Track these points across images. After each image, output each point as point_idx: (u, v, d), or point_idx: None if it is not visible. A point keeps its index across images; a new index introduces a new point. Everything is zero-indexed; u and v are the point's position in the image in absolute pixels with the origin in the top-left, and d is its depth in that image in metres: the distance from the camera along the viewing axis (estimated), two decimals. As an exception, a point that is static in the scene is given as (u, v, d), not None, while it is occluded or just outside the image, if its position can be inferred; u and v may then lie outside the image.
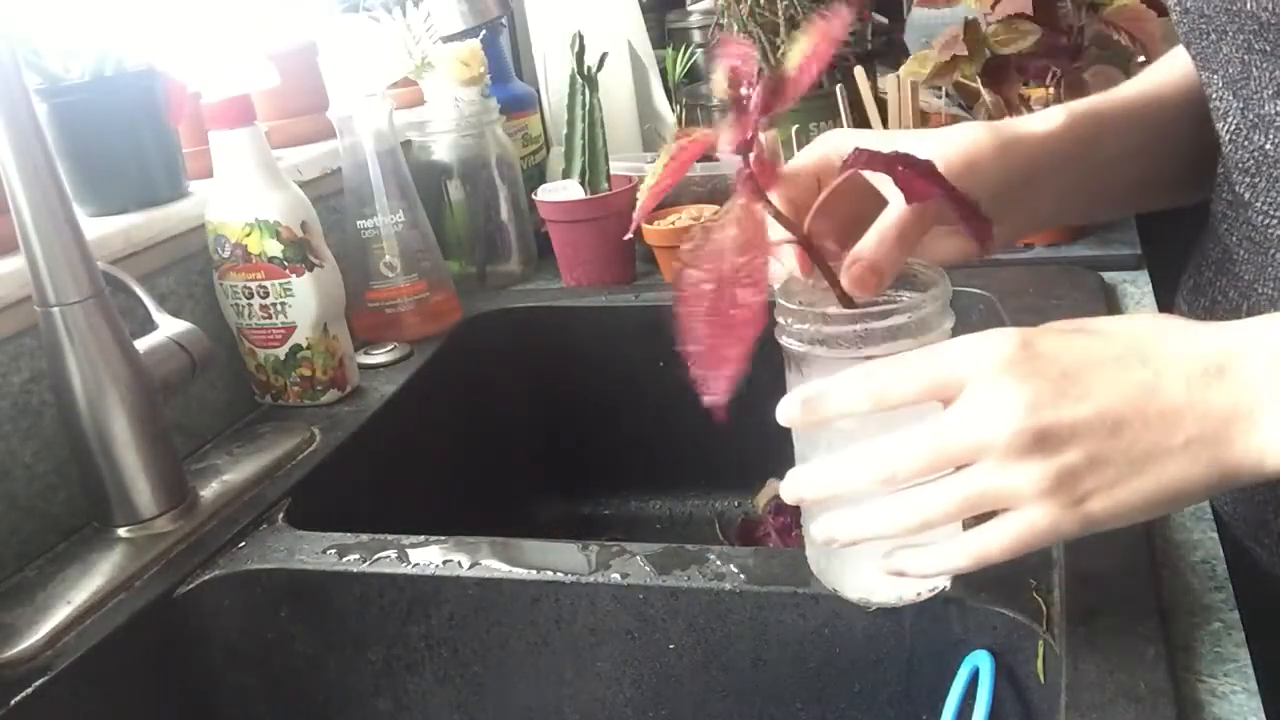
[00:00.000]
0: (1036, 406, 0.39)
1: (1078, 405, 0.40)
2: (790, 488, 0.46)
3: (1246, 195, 0.55)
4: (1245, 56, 0.51)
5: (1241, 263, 0.57)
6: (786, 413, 0.45)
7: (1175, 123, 0.60)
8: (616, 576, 0.57)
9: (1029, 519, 0.41)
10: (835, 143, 0.55)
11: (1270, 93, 0.51)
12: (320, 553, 0.62)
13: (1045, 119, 0.57)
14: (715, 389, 0.42)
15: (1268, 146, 0.52)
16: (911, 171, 0.44)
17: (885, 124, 1.12)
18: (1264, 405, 0.39)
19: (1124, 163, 0.60)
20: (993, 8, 0.89)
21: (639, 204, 0.48)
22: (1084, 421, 0.39)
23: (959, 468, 0.42)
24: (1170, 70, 0.63)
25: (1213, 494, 0.43)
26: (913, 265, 0.50)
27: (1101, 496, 0.40)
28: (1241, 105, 0.53)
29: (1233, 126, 0.55)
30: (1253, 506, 0.58)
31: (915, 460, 0.42)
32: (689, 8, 1.49)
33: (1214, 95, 0.56)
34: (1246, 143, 0.54)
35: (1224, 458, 0.40)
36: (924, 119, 1.15)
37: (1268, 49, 0.49)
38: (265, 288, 0.78)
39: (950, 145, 0.54)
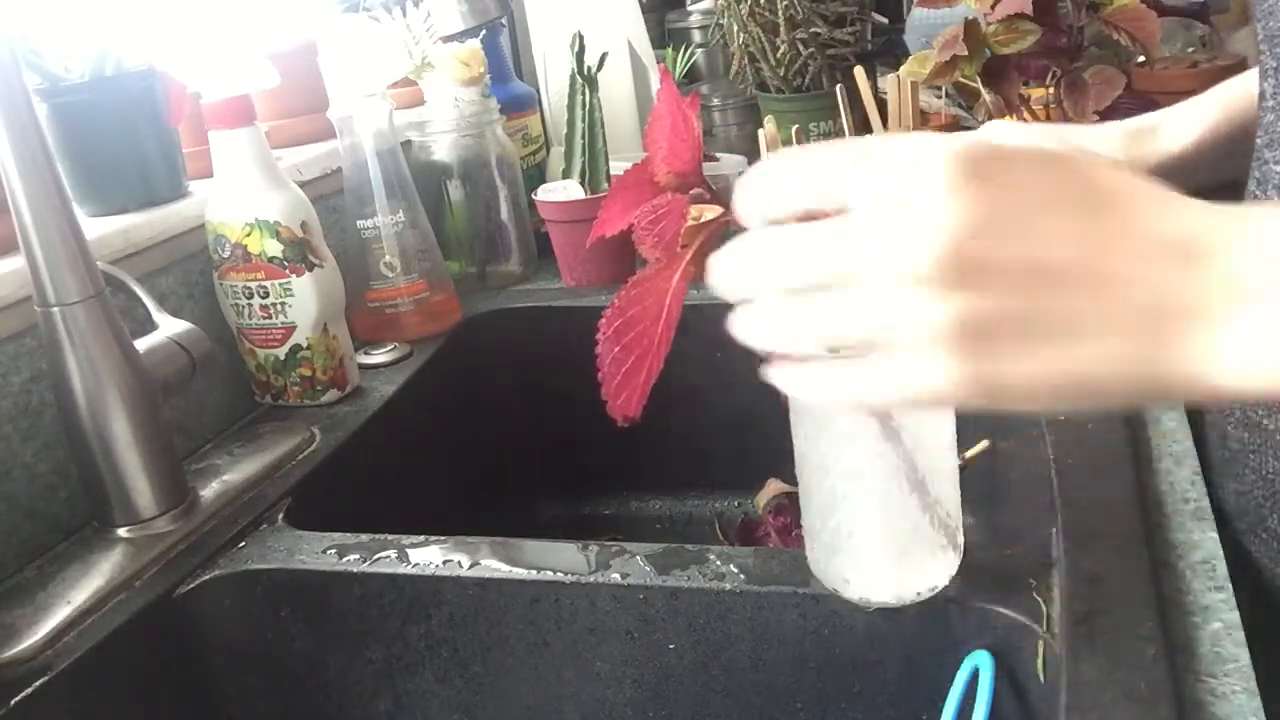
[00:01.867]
0: (966, 232, 0.33)
1: (1013, 243, 0.33)
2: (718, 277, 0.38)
3: None
4: None
5: None
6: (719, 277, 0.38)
7: None
8: (616, 576, 0.57)
9: (923, 366, 0.34)
10: (996, 135, 0.58)
11: None
12: (320, 553, 0.62)
13: (1180, 136, 0.61)
14: (623, 409, 0.47)
15: None
16: None
17: (885, 124, 1.12)
18: (1221, 309, 0.33)
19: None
20: (993, 8, 0.89)
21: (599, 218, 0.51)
22: (1016, 262, 0.33)
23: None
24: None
25: (1129, 400, 0.36)
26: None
27: (1011, 360, 0.33)
28: None
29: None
30: (1252, 504, 0.58)
31: (812, 262, 0.35)
32: (689, 8, 1.49)
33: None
34: None
35: (1158, 354, 0.34)
36: (924, 119, 1.16)
37: None
38: (265, 288, 0.78)
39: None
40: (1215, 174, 0.62)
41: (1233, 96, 0.65)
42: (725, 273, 0.37)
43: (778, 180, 0.36)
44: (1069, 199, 0.34)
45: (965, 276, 0.33)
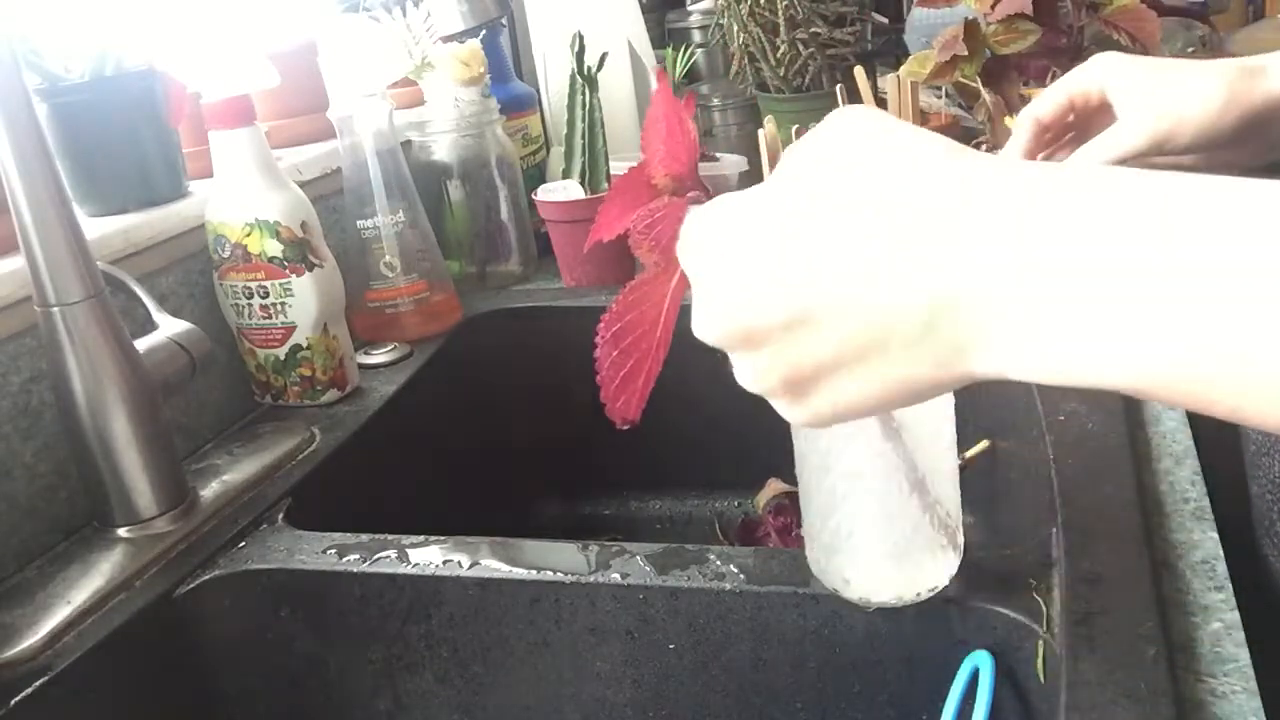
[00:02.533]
0: (735, 306, 0.34)
1: (777, 303, 0.33)
2: None
3: None
4: None
5: None
6: None
7: None
8: (616, 576, 0.57)
9: (777, 407, 0.37)
10: (1102, 69, 0.64)
11: None
12: (320, 553, 0.62)
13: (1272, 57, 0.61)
14: (622, 411, 0.47)
15: None
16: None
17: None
18: (991, 337, 0.31)
19: None
20: (993, 8, 0.89)
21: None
22: (779, 324, 0.33)
23: None
24: None
25: (959, 386, 0.35)
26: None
27: (822, 393, 0.35)
28: None
29: None
30: (1263, 505, 0.58)
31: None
32: (689, 8, 1.49)
33: None
34: None
35: (950, 354, 0.32)
36: (924, 119, 1.16)
37: None
38: (265, 288, 0.78)
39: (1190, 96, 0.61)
40: None
41: None
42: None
43: None
44: (841, 235, 0.32)
45: (748, 341, 0.35)
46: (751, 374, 0.36)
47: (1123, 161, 0.62)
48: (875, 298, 0.32)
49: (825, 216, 0.33)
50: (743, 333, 0.35)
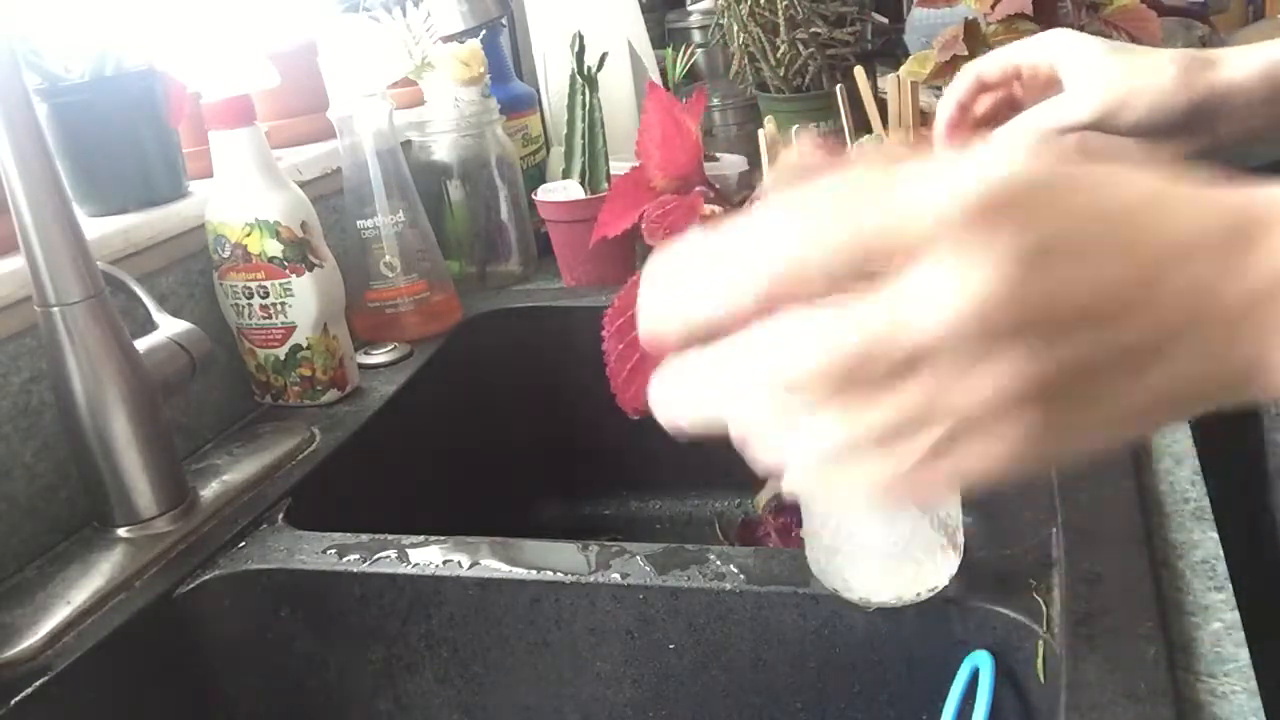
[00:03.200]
0: (1015, 280, 0.27)
1: (1073, 281, 0.28)
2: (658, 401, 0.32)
3: None
4: None
5: None
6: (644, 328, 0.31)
7: None
8: (616, 576, 0.57)
9: (986, 445, 0.28)
10: (1055, 42, 0.63)
11: None
12: (320, 553, 0.62)
13: (1243, 65, 0.61)
14: (633, 401, 0.46)
15: None
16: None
17: (885, 124, 1.12)
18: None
19: None
20: (993, 8, 0.89)
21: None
22: (1063, 310, 0.28)
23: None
24: None
25: (1218, 403, 0.31)
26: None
27: (1084, 406, 0.29)
28: None
29: None
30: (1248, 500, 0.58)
31: (832, 358, 0.28)
32: (689, 8, 1.49)
33: None
34: None
35: (1231, 351, 0.29)
36: (924, 119, 1.16)
37: None
38: (265, 288, 0.78)
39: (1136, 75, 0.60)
40: (1275, 112, 0.63)
41: None
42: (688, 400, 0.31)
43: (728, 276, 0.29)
44: (1096, 236, 0.29)
45: (1026, 331, 0.27)
46: (996, 381, 0.27)
47: (1065, 132, 0.61)
48: (1165, 285, 0.28)
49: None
50: (1073, 310, 0.28)
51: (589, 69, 0.99)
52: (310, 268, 0.78)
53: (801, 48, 1.15)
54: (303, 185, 0.83)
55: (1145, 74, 0.61)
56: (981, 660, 0.50)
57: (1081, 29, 0.90)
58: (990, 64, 0.68)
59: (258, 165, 0.77)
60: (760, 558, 0.56)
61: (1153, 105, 0.61)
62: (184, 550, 0.64)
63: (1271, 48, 0.63)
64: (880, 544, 0.50)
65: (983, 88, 0.69)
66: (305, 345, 0.80)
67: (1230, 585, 0.50)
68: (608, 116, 1.02)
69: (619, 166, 1.03)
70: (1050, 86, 0.65)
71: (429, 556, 0.60)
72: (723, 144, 1.35)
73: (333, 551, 0.62)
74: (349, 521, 0.66)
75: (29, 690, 0.53)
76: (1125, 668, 0.44)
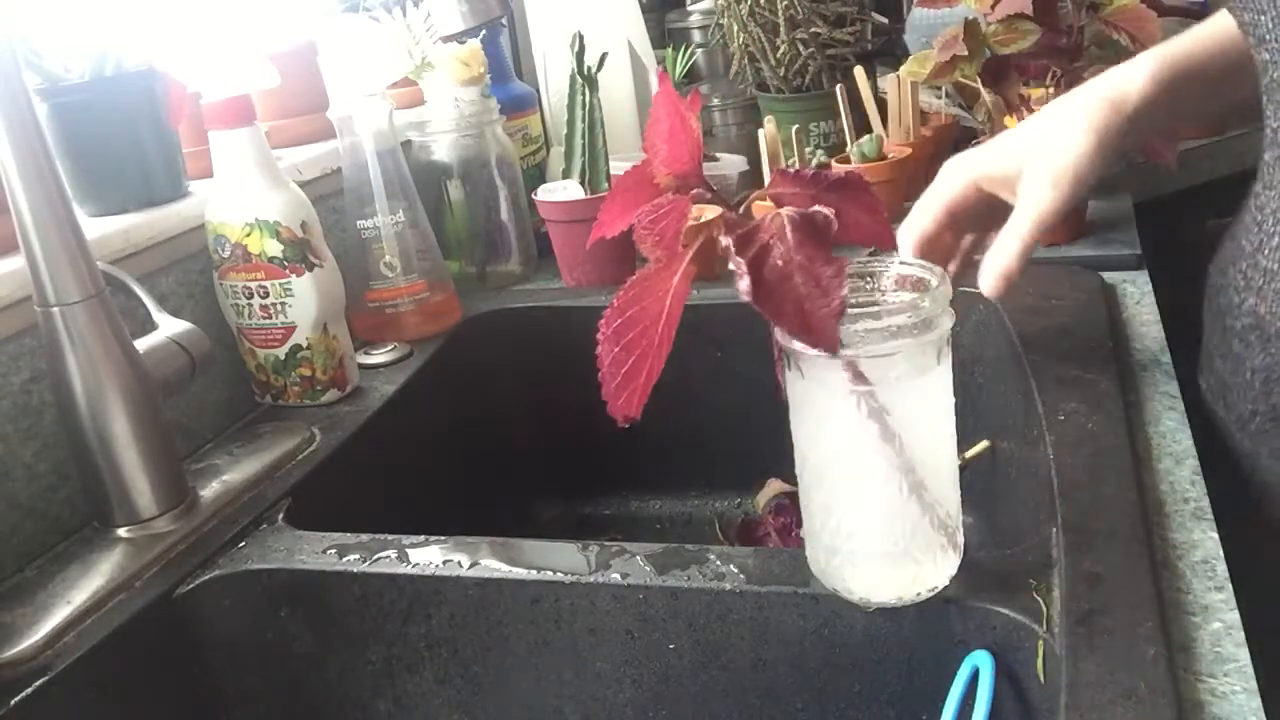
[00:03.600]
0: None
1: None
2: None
3: None
4: None
5: None
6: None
7: (1239, 69, 0.67)
8: (616, 576, 0.57)
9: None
10: (959, 173, 0.67)
11: None
12: (320, 553, 0.62)
13: (1133, 79, 0.65)
14: (624, 409, 0.47)
15: None
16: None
17: (885, 124, 1.12)
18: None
19: (1200, 105, 0.71)
20: (993, 8, 0.89)
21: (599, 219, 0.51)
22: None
23: None
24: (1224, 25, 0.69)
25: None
26: (913, 265, 0.50)
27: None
28: None
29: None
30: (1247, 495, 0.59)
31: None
32: (689, 8, 1.49)
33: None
34: None
35: None
36: (924, 119, 1.16)
37: None
38: (265, 288, 0.78)
39: (1057, 158, 0.64)
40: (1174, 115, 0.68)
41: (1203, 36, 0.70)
42: None
43: None
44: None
45: None
46: None
47: (1049, 227, 0.62)
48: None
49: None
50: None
51: (589, 69, 0.99)
52: (310, 268, 0.78)
53: (801, 48, 1.15)
54: (303, 185, 0.83)
55: (1069, 157, 0.62)
56: (981, 660, 0.50)
57: (1081, 29, 0.90)
58: (923, 221, 0.67)
59: (258, 165, 0.77)
60: (760, 558, 0.56)
61: (1084, 178, 0.63)
62: (184, 550, 0.64)
63: (1156, 52, 0.67)
64: (880, 544, 0.50)
65: (927, 243, 0.67)
66: (305, 345, 0.80)
67: (1230, 585, 0.50)
68: (608, 116, 1.02)
69: (619, 166, 1.03)
70: (995, 197, 0.66)
71: (429, 556, 0.60)
72: (723, 144, 1.35)
73: (333, 551, 0.62)
74: (349, 521, 0.66)
75: (29, 690, 0.53)
76: (1125, 668, 0.44)
